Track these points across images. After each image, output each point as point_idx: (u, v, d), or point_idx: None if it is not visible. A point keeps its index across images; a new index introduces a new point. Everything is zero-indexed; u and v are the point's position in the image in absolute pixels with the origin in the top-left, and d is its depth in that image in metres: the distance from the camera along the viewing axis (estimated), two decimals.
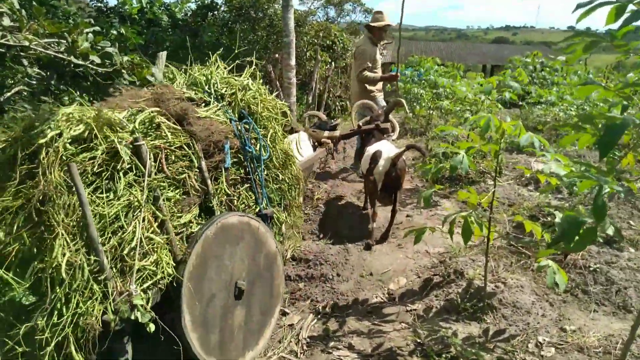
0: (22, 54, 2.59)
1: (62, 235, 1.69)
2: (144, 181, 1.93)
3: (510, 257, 3.21)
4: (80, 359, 1.62)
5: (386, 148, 3.73)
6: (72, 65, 2.73)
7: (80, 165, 1.81)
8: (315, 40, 11.77)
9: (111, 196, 1.87)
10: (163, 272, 1.90)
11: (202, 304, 2.06)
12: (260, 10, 9.98)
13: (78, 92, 2.84)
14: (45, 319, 1.62)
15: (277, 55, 7.46)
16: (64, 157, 1.79)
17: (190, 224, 2.17)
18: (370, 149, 3.85)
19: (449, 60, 22.34)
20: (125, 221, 1.85)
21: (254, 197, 2.58)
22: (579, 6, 1.54)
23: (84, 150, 1.87)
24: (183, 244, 2.10)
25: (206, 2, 10.19)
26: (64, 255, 1.66)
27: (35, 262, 1.71)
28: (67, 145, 1.82)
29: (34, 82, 2.74)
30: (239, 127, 2.55)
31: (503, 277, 2.91)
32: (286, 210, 2.92)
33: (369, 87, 5.08)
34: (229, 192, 2.43)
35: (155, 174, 2.05)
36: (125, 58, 2.86)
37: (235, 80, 2.78)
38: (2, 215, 1.75)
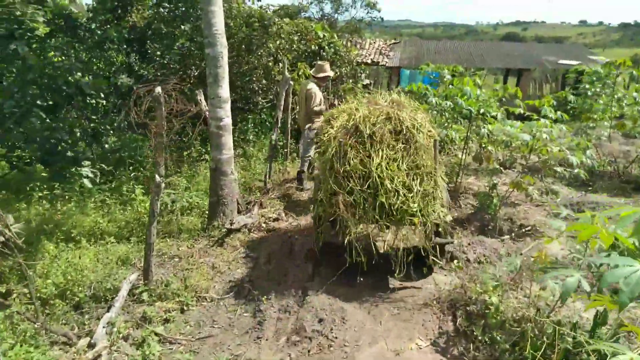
0: None
1: (429, 173, 3.78)
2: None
3: None
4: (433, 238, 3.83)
5: None
6: None
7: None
8: (290, 47, 8.23)
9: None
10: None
11: None
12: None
13: None
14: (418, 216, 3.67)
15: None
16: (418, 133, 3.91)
17: None
18: None
19: (467, 63, 18.52)
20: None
21: None
22: None
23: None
24: None
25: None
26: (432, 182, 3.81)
27: (416, 187, 3.68)
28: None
29: None
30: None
31: None
32: None
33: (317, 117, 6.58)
34: None
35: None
36: None
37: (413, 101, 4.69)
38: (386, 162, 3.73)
